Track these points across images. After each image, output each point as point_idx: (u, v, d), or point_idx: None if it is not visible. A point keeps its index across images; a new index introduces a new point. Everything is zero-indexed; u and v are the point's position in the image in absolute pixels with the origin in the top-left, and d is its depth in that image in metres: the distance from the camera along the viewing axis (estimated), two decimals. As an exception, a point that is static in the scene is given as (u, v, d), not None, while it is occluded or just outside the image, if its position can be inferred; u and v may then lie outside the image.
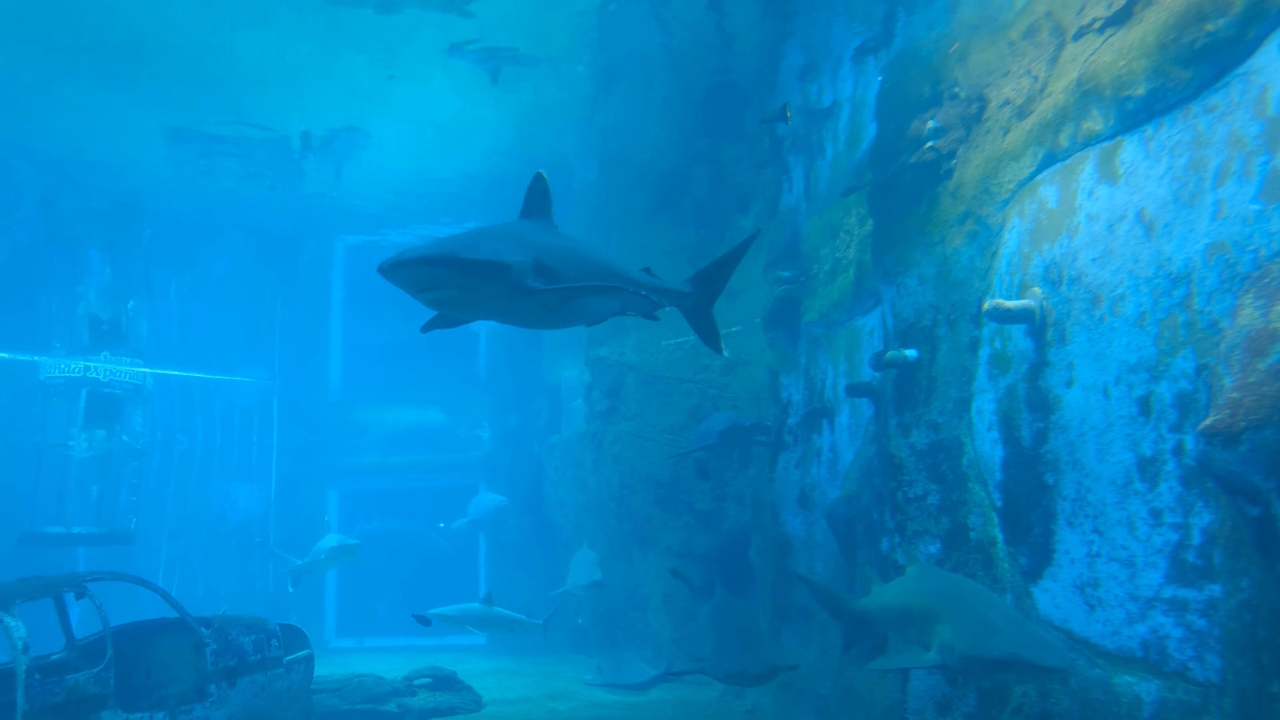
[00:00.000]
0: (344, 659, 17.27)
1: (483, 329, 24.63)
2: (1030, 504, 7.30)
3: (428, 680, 13.28)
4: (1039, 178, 7.49)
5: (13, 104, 15.38)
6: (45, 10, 12.75)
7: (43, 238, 18.30)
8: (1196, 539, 5.78)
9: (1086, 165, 6.91)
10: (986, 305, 7.53)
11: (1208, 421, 5.20)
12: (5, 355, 17.51)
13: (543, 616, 13.29)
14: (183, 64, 14.18)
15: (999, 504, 7.71)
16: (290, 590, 16.24)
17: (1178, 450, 5.92)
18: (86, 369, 16.87)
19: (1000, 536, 7.67)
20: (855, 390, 10.18)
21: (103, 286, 17.98)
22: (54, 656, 9.48)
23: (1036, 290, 7.29)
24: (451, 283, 4.87)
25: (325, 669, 12.79)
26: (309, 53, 13.95)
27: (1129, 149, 6.48)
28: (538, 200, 5.88)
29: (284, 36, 13.52)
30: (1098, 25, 7.09)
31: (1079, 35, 7.36)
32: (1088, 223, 6.83)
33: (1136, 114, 6.40)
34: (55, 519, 16.49)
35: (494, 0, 12.49)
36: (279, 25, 13.20)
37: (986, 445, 7.87)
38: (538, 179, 5.89)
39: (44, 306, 17.85)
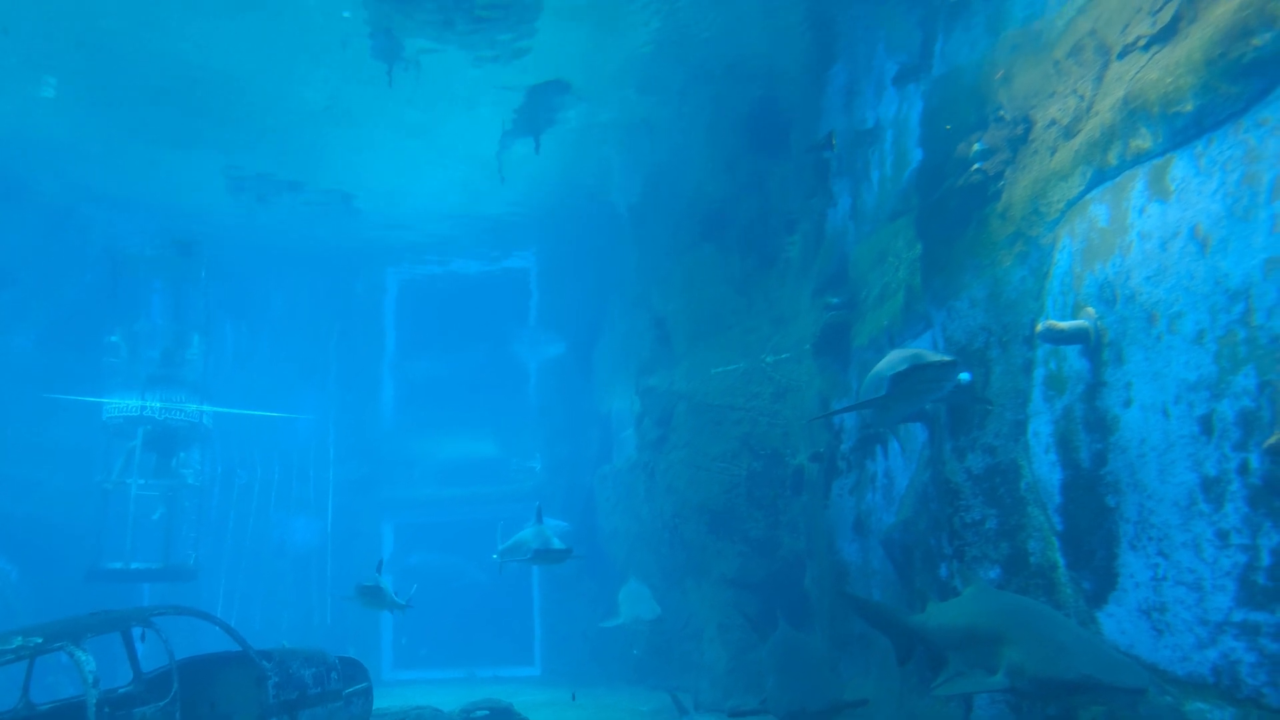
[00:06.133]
0: (401, 691, 17.39)
1: (533, 360, 24.89)
2: (1091, 527, 7.18)
3: (485, 713, 13.31)
4: (1089, 197, 7.42)
5: (81, 151, 15.98)
6: (112, 62, 13.26)
7: (106, 280, 18.89)
8: (1266, 560, 5.64)
9: (1136, 183, 6.84)
10: (1039, 326, 7.45)
11: (1273, 439, 5.10)
12: (72, 397, 18.03)
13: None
14: (241, 111, 14.65)
15: (1059, 528, 7.58)
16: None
17: (1242, 469, 5.80)
18: (145, 408, 17.27)
19: (1061, 561, 7.54)
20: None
21: (163, 326, 18.47)
22: (122, 690, 9.68)
23: (1090, 310, 7.21)
24: None
25: (383, 701, 12.91)
26: (360, 94, 14.32)
27: (1179, 166, 6.41)
28: None
29: (338, 80, 13.90)
30: (1142, 43, 7.04)
31: (1124, 53, 7.31)
32: (1140, 241, 6.75)
33: (1186, 130, 6.34)
34: (118, 555, 16.86)
35: (548, 33, 12.73)
36: (333, 69, 13.59)
37: (1044, 468, 7.76)
38: None
39: (108, 346, 18.38)
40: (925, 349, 8.16)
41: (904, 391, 7.47)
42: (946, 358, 7.24)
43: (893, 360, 7.64)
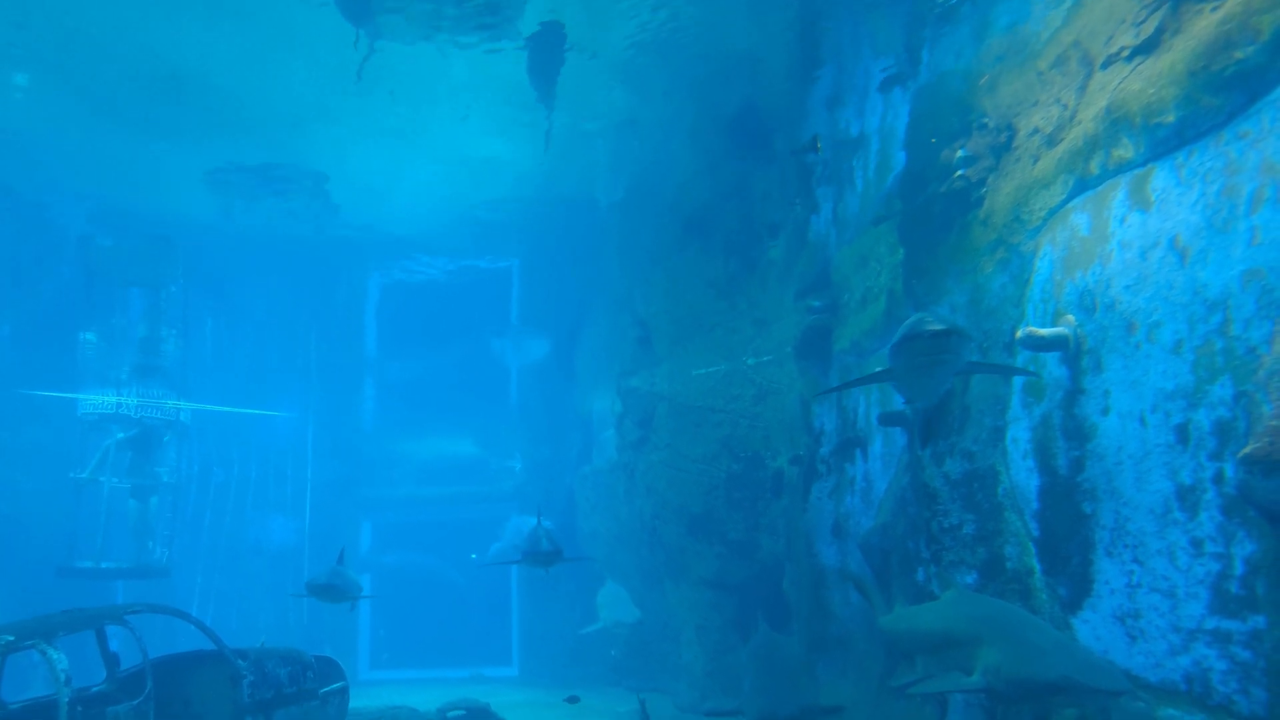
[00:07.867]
0: (378, 691, 17.30)
1: (515, 361, 24.82)
2: (1068, 533, 7.23)
3: (461, 713, 13.29)
4: (1070, 205, 7.47)
5: (55, 146, 15.80)
6: (88, 54, 13.11)
7: (82, 276, 18.72)
8: (1239, 569, 5.69)
9: (1118, 193, 6.89)
10: (1019, 333, 7.50)
11: (1247, 449, 5.13)
12: (47, 393, 17.83)
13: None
14: (221, 104, 14.51)
15: (1036, 534, 7.63)
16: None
17: (1217, 478, 5.85)
18: (121, 405, 17.10)
19: (1038, 567, 7.59)
20: (888, 419, 10.14)
21: (140, 323, 18.30)
22: (95, 689, 9.60)
23: (1070, 318, 7.26)
24: None
25: (360, 701, 12.84)
26: (341, 91, 14.22)
27: (1160, 176, 6.47)
28: None
29: (318, 76, 13.80)
30: (1126, 54, 7.09)
31: (1107, 64, 7.36)
32: (1120, 250, 6.80)
33: (1167, 141, 6.39)
34: (91, 553, 16.69)
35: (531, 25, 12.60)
36: (313, 65, 13.49)
37: (1022, 474, 7.81)
38: None
39: (83, 343, 18.20)
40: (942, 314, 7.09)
41: (906, 362, 6.64)
42: (940, 327, 6.33)
43: (906, 324, 6.70)
